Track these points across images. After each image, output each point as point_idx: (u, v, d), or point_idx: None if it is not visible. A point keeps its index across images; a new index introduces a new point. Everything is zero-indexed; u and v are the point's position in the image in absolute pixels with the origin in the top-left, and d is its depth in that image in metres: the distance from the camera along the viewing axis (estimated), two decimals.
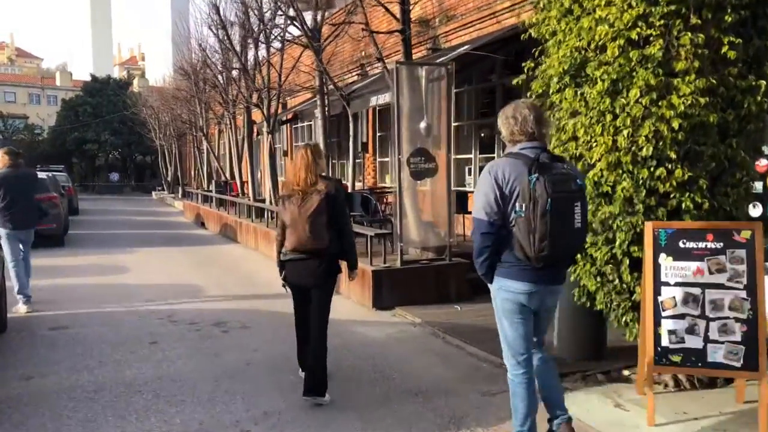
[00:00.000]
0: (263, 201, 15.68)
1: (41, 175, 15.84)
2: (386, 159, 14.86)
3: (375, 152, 14.94)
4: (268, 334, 6.50)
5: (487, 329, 6.14)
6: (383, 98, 9.55)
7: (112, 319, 7.24)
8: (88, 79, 52.24)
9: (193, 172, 31.40)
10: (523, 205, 3.06)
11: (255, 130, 17.41)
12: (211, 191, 21.70)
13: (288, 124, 20.02)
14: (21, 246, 7.77)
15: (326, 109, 11.54)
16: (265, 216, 14.52)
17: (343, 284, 8.32)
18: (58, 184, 17.78)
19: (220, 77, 18.58)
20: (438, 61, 8.58)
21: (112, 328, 6.81)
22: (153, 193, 40.57)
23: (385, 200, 11.76)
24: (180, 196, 32.27)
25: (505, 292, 3.27)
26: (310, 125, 19.61)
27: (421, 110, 7.77)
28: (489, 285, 3.39)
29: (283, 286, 4.69)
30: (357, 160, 14.81)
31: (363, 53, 14.71)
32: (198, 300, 8.37)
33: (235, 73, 17.15)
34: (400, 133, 7.60)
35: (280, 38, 13.55)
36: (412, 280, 7.62)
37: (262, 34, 14.12)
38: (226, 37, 15.21)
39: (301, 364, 4.89)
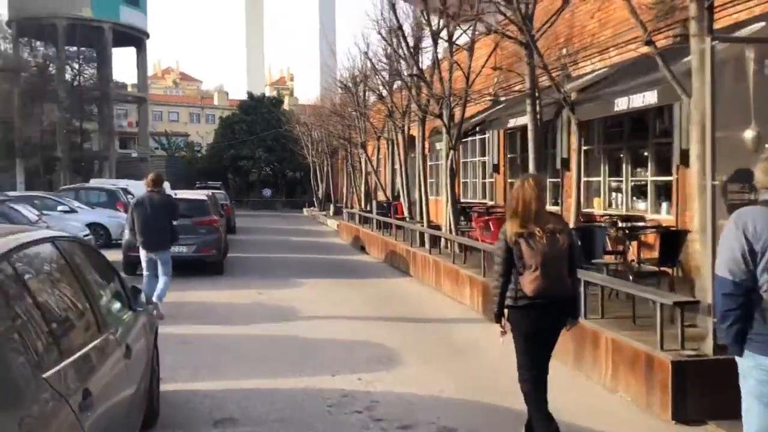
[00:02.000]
0: (438, 228, 13.50)
1: (202, 195, 14.89)
2: (596, 179, 12.08)
3: (579, 170, 12.22)
4: None
5: None
6: (647, 97, 6.88)
7: (291, 406, 5.22)
8: (243, 98, 53.84)
9: (345, 190, 30.21)
10: None
11: (427, 145, 15.33)
12: (370, 212, 20.02)
13: None
14: (159, 265, 8.55)
15: (538, 116, 9.07)
16: (447, 247, 12.33)
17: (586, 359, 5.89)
18: (217, 203, 16.85)
19: (385, 87, 16.82)
20: None
21: (295, 427, 4.78)
22: (304, 209, 40.28)
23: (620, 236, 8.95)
24: (331, 213, 31.30)
25: (762, 371, 2.68)
26: (483, 139, 17.25)
27: (742, 112, 5.08)
28: (737, 359, 2.81)
29: (502, 333, 4.17)
30: (554, 179, 12.24)
31: (565, 50, 12.10)
32: (397, 373, 6.20)
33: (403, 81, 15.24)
34: (714, 146, 4.95)
35: (469, 33, 11.35)
36: (732, 378, 4.88)
37: (444, 30, 12.03)
38: (401, 38, 13.27)
39: None
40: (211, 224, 12.82)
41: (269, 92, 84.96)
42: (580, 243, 6.47)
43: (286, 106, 54.28)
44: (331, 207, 32.03)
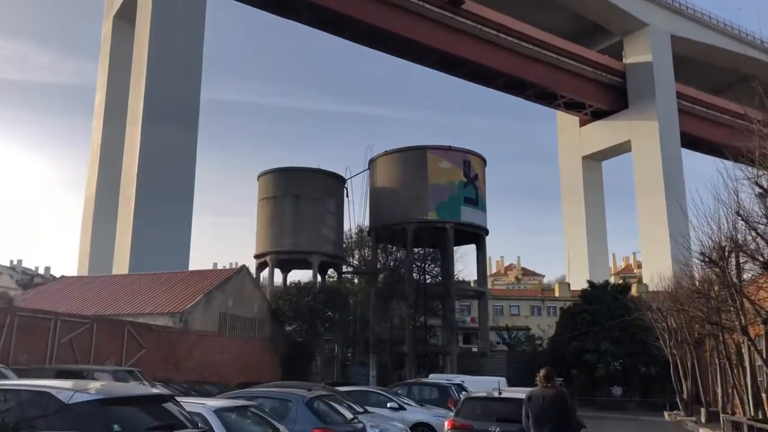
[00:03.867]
0: None
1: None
2: None
3: None
4: None
5: None
6: None
7: None
8: (585, 288, 50.82)
9: (719, 389, 24.04)
10: None
11: None
12: (763, 421, 14.64)
13: None
14: None
15: None
16: None
17: None
18: None
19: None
20: None
21: None
22: (665, 413, 33.66)
23: None
24: (703, 419, 24.99)
25: None
26: None
27: None
28: None
29: None
30: None
31: None
32: None
33: None
34: None
35: None
36: None
37: None
38: None
39: None
40: None
41: (613, 281, 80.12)
42: None
43: (633, 292, 49.34)
44: (702, 411, 25.70)
